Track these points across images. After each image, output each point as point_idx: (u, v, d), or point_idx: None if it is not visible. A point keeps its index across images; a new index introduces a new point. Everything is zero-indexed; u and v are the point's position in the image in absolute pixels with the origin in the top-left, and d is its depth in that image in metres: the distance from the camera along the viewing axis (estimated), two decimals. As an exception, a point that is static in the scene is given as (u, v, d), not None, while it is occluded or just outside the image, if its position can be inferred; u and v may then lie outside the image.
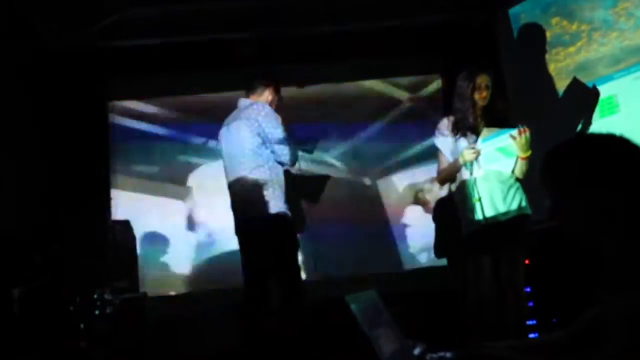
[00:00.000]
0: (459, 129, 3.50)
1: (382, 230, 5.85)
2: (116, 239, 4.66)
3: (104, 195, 5.51)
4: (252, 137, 3.77)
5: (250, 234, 3.78)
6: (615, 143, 1.38)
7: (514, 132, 3.32)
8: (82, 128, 5.49)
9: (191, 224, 5.70)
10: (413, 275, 5.67)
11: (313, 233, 4.90)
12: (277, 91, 4.13)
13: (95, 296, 3.76)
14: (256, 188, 3.66)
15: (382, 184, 5.92)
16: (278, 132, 3.80)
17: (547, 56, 4.90)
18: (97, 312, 3.67)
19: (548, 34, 4.88)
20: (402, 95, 6.08)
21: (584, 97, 4.51)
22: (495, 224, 3.37)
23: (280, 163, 3.86)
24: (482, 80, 3.51)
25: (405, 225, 5.86)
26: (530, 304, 4.70)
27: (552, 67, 4.87)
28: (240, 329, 3.94)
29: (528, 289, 4.76)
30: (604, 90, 4.42)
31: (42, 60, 5.35)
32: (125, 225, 4.91)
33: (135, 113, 5.85)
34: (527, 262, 4.77)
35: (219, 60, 5.69)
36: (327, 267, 5.51)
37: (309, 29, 5.67)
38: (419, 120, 5.89)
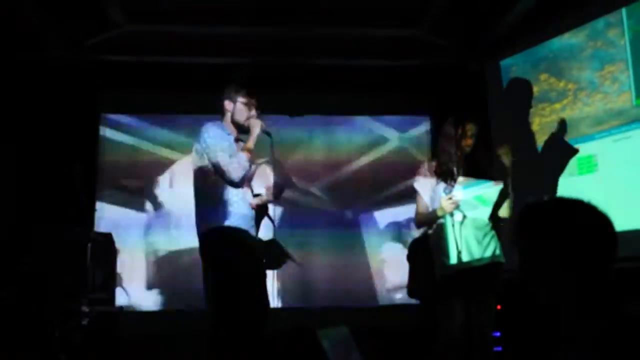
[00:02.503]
0: (440, 174, 3.58)
1: (359, 265, 5.92)
2: (97, 251, 4.67)
3: (89, 206, 5.52)
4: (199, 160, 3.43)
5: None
6: (581, 210, 1.50)
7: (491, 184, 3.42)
8: (72, 138, 5.54)
9: (173, 241, 5.72)
10: (387, 312, 5.73)
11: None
12: (236, 94, 3.54)
13: (72, 307, 3.78)
14: None
15: (363, 219, 6.01)
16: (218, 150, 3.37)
17: (532, 110, 5.05)
18: (72, 323, 3.68)
19: (536, 89, 5.04)
20: (390, 133, 6.20)
21: (562, 154, 4.66)
22: (468, 269, 3.44)
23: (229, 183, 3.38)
24: (469, 128, 3.57)
25: (383, 261, 5.94)
26: (499, 348, 4.79)
27: (537, 121, 5.01)
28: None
29: (497, 334, 4.87)
30: (585, 148, 4.56)
31: (38, 70, 5.41)
32: (107, 237, 4.94)
33: (126, 127, 5.91)
34: (499, 307, 4.89)
35: (210, 83, 5.75)
36: (301, 297, 5.57)
37: (303, 59, 5.80)
38: (405, 160, 6.00)
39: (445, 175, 3.54)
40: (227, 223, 3.30)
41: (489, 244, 3.49)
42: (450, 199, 3.42)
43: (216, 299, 3.32)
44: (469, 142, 3.56)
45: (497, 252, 3.50)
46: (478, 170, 3.54)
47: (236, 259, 3.26)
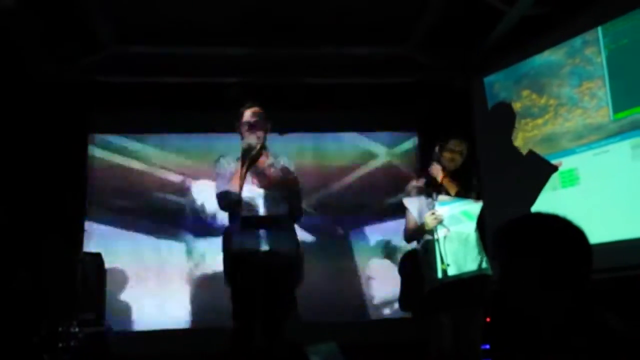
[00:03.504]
0: (427, 190, 3.65)
1: (349, 279, 5.95)
2: (86, 270, 4.68)
3: (77, 225, 5.55)
4: None
5: None
6: (557, 225, 1.56)
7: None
8: (62, 157, 5.57)
9: (162, 261, 5.74)
10: (377, 326, 5.76)
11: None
12: (247, 108, 3.66)
13: (61, 329, 3.77)
14: None
15: (352, 235, 6.06)
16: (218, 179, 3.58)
17: (516, 125, 5.14)
18: (61, 344, 3.68)
19: (519, 105, 5.14)
20: (379, 149, 6.27)
21: (544, 168, 4.75)
22: (456, 282, 3.49)
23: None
24: (455, 145, 3.64)
25: (372, 276, 5.97)
26: (488, 360, 4.84)
27: (520, 136, 5.09)
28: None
29: (486, 346, 4.91)
30: (567, 162, 4.66)
31: (28, 90, 5.45)
32: (96, 257, 4.96)
33: (115, 147, 5.94)
34: (488, 320, 4.94)
35: (201, 102, 5.84)
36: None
37: (292, 78, 5.88)
38: (393, 176, 6.07)
39: (432, 191, 3.60)
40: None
41: (475, 257, 3.55)
42: (433, 214, 3.49)
43: None
44: (454, 158, 3.63)
45: (484, 265, 3.56)
46: (465, 187, 3.61)
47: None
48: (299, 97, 5.90)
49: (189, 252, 5.77)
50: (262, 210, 3.41)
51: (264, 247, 3.38)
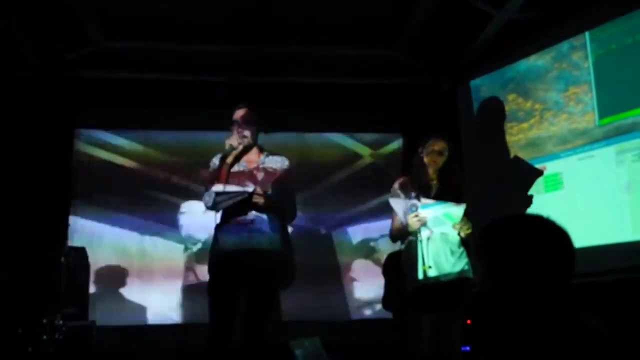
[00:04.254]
0: (412, 190, 3.67)
1: (332, 279, 5.97)
2: (70, 265, 4.67)
3: (61, 220, 5.53)
4: None
5: None
6: (537, 225, 1.58)
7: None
8: (47, 152, 5.55)
9: (147, 257, 5.73)
10: (359, 326, 5.79)
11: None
12: (238, 108, 3.68)
13: (45, 321, 3.77)
14: None
15: (336, 235, 6.08)
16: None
17: (501, 129, 5.18)
18: (45, 337, 3.67)
19: (505, 109, 5.15)
20: (364, 150, 6.30)
21: (528, 172, 4.79)
22: (437, 284, 3.52)
23: None
24: (437, 145, 3.64)
25: (355, 277, 6.00)
26: (468, 362, 4.87)
27: (505, 140, 5.14)
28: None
29: (467, 348, 4.95)
30: (551, 167, 4.70)
31: (14, 84, 5.42)
32: (81, 252, 4.95)
33: (101, 142, 5.92)
34: (468, 322, 4.98)
35: (187, 100, 5.84)
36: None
37: (279, 77, 5.89)
38: (378, 176, 6.09)
39: (417, 192, 3.62)
40: None
41: (457, 259, 3.58)
42: (416, 216, 3.51)
43: None
44: (435, 159, 3.64)
45: (466, 267, 3.59)
46: (449, 188, 3.63)
47: None
48: (285, 97, 5.91)
49: (174, 248, 5.75)
50: (249, 209, 3.39)
51: (249, 246, 3.37)
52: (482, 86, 5.41)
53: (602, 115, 4.38)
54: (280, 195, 3.49)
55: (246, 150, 3.54)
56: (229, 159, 3.47)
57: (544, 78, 4.86)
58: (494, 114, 5.21)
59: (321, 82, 5.96)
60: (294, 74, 5.86)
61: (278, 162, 3.61)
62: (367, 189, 6.08)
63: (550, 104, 4.80)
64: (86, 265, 4.87)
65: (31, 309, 3.96)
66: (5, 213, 5.18)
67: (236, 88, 5.67)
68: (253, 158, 3.57)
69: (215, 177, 3.43)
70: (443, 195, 3.59)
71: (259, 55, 5.63)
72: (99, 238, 5.62)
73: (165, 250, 5.74)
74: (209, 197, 3.42)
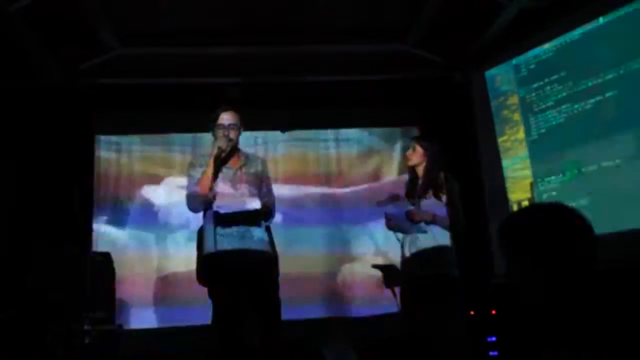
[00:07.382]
0: (407, 190, 3.83)
1: (353, 277, 5.92)
2: (96, 270, 4.73)
3: (86, 226, 5.59)
4: None
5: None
6: (560, 215, 1.58)
7: None
8: (69, 160, 5.60)
9: (168, 260, 5.78)
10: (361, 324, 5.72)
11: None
12: (223, 111, 3.63)
13: (74, 326, 3.83)
14: None
15: (354, 230, 6.05)
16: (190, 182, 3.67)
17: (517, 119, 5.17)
18: (74, 342, 3.73)
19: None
20: (380, 145, 6.30)
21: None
22: (421, 280, 3.58)
23: None
24: (411, 145, 3.82)
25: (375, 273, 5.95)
26: (495, 353, 4.89)
27: (520, 130, 5.13)
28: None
29: (493, 339, 4.96)
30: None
31: (35, 94, 5.51)
32: (106, 257, 5.01)
33: (121, 148, 5.99)
34: (493, 312, 4.99)
35: (202, 102, 5.84)
36: (300, 309, 5.61)
37: (293, 76, 5.92)
38: (395, 170, 6.12)
39: (409, 192, 3.75)
40: None
41: (442, 257, 3.63)
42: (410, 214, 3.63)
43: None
44: (409, 159, 3.78)
45: (450, 266, 3.64)
46: (432, 188, 3.71)
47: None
48: (300, 96, 5.94)
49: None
50: (234, 210, 3.46)
51: (237, 246, 3.44)
52: (497, 76, 5.39)
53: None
54: (262, 196, 3.58)
55: (232, 152, 3.60)
56: (218, 161, 3.51)
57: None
58: (510, 104, 5.19)
59: (335, 79, 5.95)
60: (307, 72, 5.87)
61: (259, 164, 3.69)
62: (385, 184, 6.06)
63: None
64: (111, 270, 4.93)
65: (59, 314, 4.02)
66: (31, 220, 5.26)
67: (251, 89, 5.72)
68: (235, 159, 3.62)
69: (202, 179, 3.48)
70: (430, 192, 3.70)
71: (272, 56, 5.66)
72: (122, 243, 5.68)
73: (187, 254, 5.76)
74: (194, 201, 3.52)
